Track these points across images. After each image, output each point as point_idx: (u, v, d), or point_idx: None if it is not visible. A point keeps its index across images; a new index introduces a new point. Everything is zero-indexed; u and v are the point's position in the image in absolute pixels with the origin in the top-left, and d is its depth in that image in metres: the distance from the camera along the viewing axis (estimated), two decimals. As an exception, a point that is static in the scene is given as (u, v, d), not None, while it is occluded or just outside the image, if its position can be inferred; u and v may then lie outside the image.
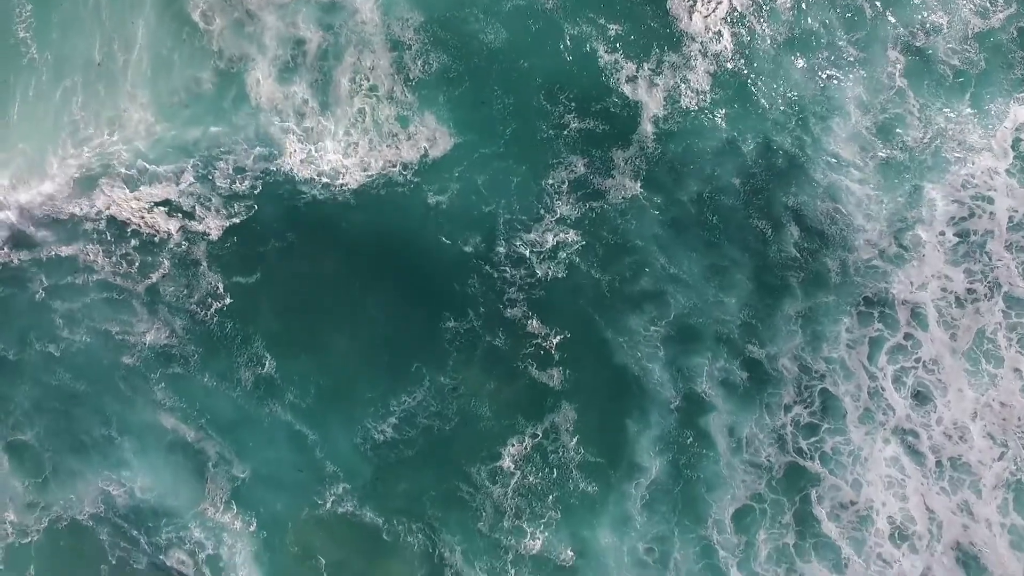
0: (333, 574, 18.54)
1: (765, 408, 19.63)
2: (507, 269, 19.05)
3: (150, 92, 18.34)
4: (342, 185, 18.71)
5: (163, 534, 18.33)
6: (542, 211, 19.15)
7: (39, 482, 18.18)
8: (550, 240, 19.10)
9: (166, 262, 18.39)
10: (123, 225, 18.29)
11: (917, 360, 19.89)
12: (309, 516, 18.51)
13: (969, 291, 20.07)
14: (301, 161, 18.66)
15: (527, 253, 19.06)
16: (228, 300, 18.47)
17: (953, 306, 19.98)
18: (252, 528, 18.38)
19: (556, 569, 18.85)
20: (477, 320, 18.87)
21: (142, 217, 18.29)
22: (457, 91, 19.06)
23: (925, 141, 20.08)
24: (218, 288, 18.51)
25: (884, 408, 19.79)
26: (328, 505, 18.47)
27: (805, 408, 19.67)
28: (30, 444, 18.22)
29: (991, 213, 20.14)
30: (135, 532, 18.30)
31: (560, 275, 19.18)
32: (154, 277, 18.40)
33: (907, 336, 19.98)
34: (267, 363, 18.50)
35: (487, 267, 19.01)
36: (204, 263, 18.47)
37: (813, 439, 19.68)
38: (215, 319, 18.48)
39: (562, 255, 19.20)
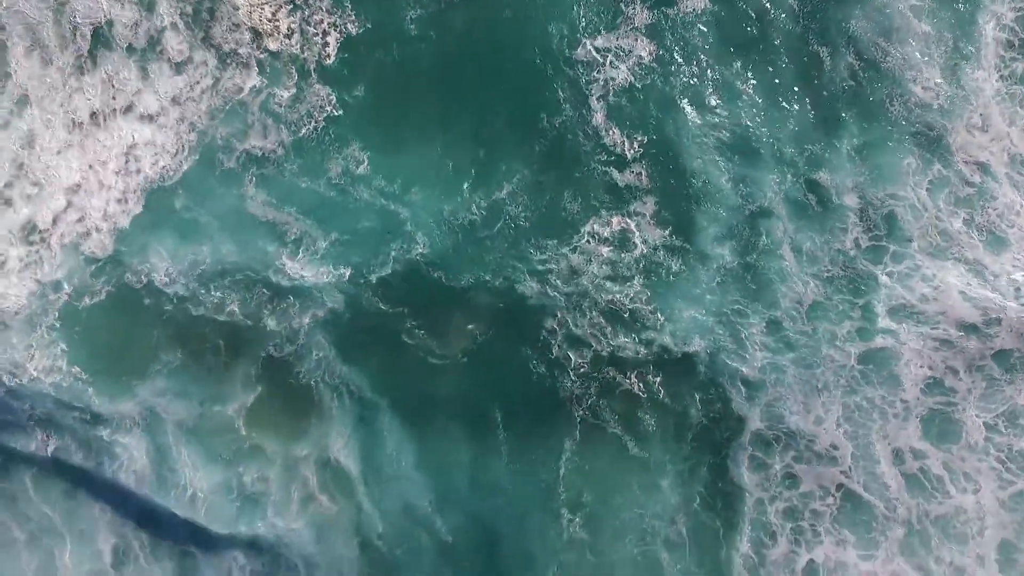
0: (413, 318, 20.06)
1: (829, 230, 20.54)
2: (591, 73, 20.29)
3: None
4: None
5: (229, 292, 19.67)
6: (619, 19, 20.40)
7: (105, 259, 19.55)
8: (625, 47, 20.34)
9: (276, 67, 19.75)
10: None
11: (983, 203, 20.59)
12: (392, 273, 19.88)
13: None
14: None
15: (605, 58, 20.27)
16: (329, 107, 19.76)
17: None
18: (331, 279, 19.80)
19: (642, 325, 20.21)
20: (562, 121, 20.16)
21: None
22: None
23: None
24: (322, 95, 19.81)
25: (948, 241, 20.55)
26: (411, 257, 19.86)
27: (869, 234, 20.53)
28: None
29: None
30: (201, 288, 19.57)
31: (635, 82, 20.34)
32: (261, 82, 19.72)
33: (969, 182, 20.69)
34: (361, 162, 19.80)
35: (572, 71, 20.25)
36: (313, 73, 19.81)
37: (876, 255, 20.56)
38: (317, 127, 19.77)
39: (634, 62, 20.40)
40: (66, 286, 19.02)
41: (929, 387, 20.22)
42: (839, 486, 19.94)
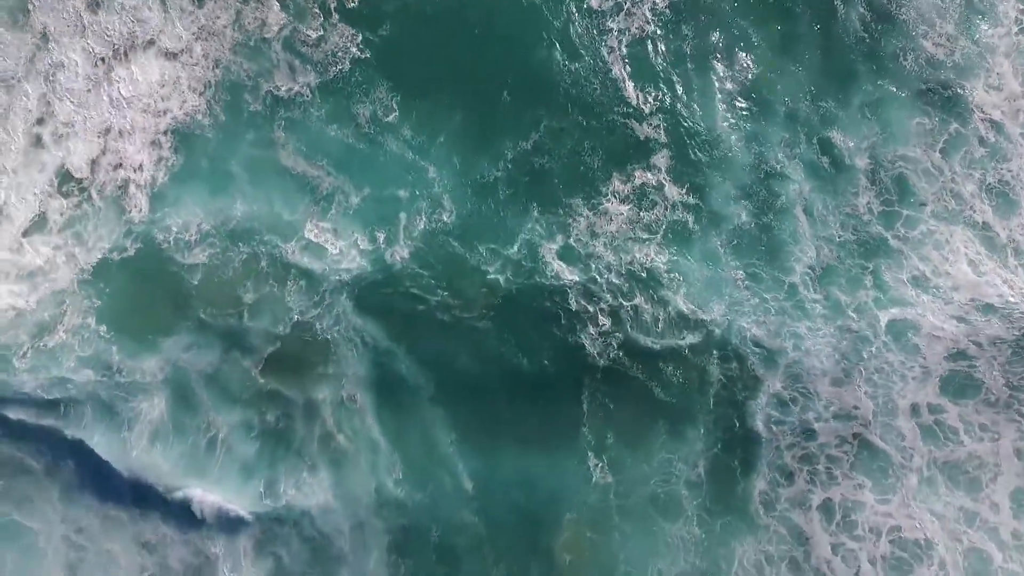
0: (436, 278, 20.18)
1: (842, 192, 20.86)
2: (607, 23, 20.73)
3: None
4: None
5: (258, 248, 19.82)
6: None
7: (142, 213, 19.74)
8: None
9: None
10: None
11: (996, 163, 20.86)
12: (417, 231, 20.11)
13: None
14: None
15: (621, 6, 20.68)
16: (355, 48, 20.08)
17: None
18: (357, 240, 19.96)
19: (659, 285, 20.39)
20: (581, 70, 20.56)
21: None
22: None
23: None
24: (346, 35, 20.13)
25: (961, 204, 20.82)
26: (436, 216, 20.05)
27: (879, 198, 20.80)
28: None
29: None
30: (231, 245, 19.73)
31: (651, 32, 20.77)
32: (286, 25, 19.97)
33: (983, 141, 20.97)
34: (390, 109, 20.10)
35: (590, 24, 20.68)
36: (334, 12, 20.12)
37: (888, 220, 20.79)
38: (343, 69, 20.09)
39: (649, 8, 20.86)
40: (104, 242, 19.24)
41: (952, 356, 20.48)
42: (855, 435, 20.23)
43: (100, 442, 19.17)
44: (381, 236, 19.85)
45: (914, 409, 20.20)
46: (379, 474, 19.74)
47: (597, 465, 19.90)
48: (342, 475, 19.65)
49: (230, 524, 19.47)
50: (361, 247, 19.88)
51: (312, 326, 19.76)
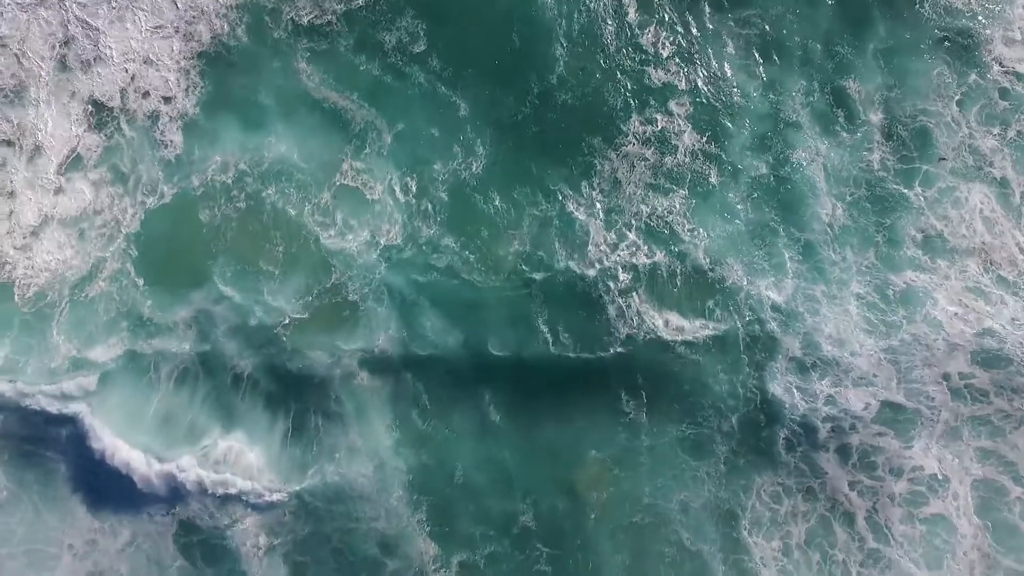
0: (462, 231, 20.36)
1: (855, 145, 20.87)
2: None
3: None
4: None
5: (292, 192, 19.93)
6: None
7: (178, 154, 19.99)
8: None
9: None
10: None
11: (1018, 117, 20.81)
12: (442, 176, 20.29)
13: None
14: None
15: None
16: None
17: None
18: (388, 181, 20.17)
19: (679, 239, 20.46)
20: (599, 10, 20.83)
21: None
22: None
23: None
24: None
25: (979, 160, 20.83)
26: (467, 168, 20.25)
27: (896, 153, 20.78)
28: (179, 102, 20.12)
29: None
30: (273, 186, 19.89)
31: None
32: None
33: (1004, 94, 20.95)
34: (417, 36, 20.35)
35: None
36: None
37: (904, 176, 20.81)
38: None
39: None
40: (142, 181, 19.63)
41: (980, 333, 20.44)
42: (878, 398, 20.30)
43: (125, 393, 19.64)
44: (412, 184, 20.03)
45: (946, 377, 20.23)
46: (403, 413, 19.96)
47: (628, 403, 20.11)
48: (366, 416, 19.89)
49: (255, 471, 19.81)
50: (396, 192, 20.03)
51: (343, 284, 19.90)
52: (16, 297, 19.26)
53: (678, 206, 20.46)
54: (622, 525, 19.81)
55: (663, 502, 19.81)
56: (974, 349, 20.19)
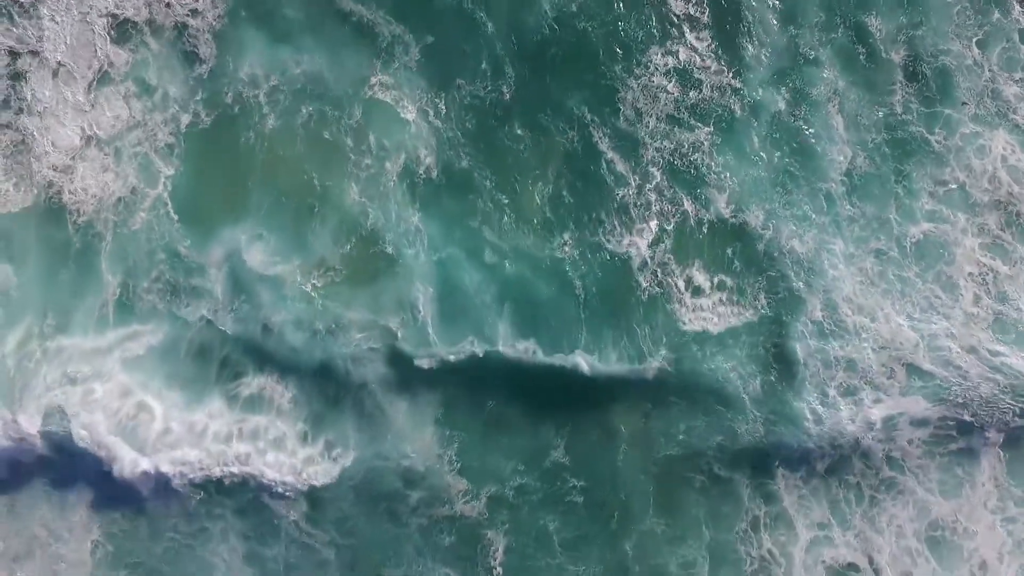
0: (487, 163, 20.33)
1: (875, 86, 20.83)
2: None
3: None
4: None
5: (324, 111, 19.88)
6: None
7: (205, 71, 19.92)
8: None
9: None
10: None
11: None
12: (466, 97, 20.31)
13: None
14: None
15: None
16: None
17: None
18: (419, 101, 20.13)
19: (702, 180, 20.45)
20: None
21: None
22: None
23: None
24: None
25: (1002, 106, 20.82)
26: (494, 89, 20.29)
27: (918, 96, 20.74)
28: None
29: None
30: (306, 106, 19.82)
31: None
32: None
33: None
34: None
35: None
36: None
37: (925, 120, 20.77)
38: None
39: None
40: (172, 95, 19.50)
41: (999, 297, 20.51)
42: (900, 360, 20.35)
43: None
44: (441, 105, 19.95)
45: (971, 349, 20.28)
46: (434, 347, 19.92)
47: (656, 354, 20.21)
48: (396, 354, 19.89)
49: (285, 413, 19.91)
50: (428, 113, 19.98)
51: (379, 232, 19.80)
52: (69, 225, 19.20)
53: (704, 141, 20.40)
54: (655, 458, 20.05)
55: (697, 440, 20.03)
56: (992, 319, 20.30)
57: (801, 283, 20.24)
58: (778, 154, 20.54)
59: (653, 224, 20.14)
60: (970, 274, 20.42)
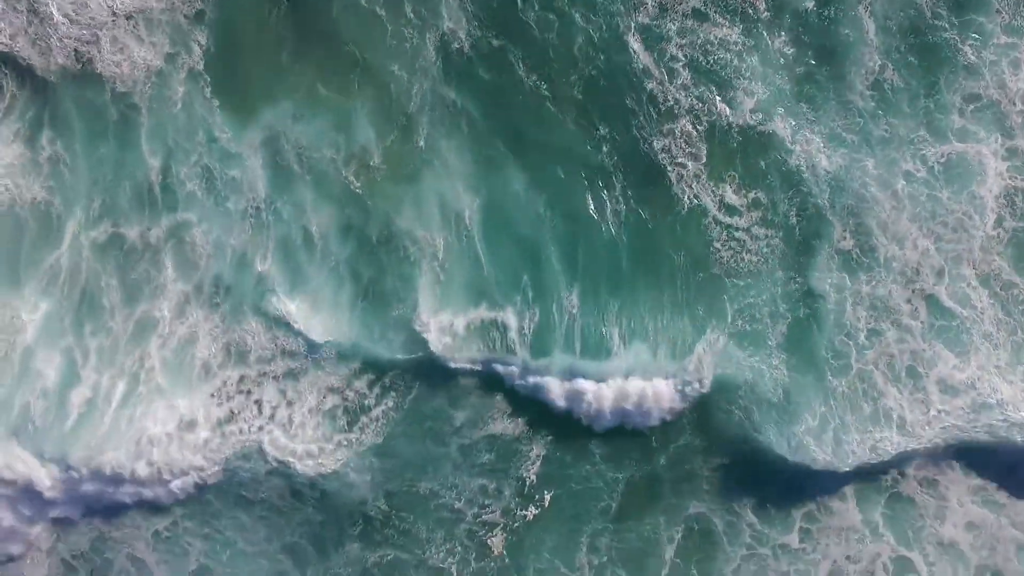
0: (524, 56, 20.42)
1: None
2: None
3: None
4: None
5: None
6: None
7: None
8: None
9: None
10: None
11: None
12: None
13: None
14: None
15: None
16: None
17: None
18: None
19: (728, 84, 20.21)
20: None
21: None
22: None
23: None
24: None
25: None
26: None
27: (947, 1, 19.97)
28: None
29: None
30: None
31: None
32: None
33: None
34: None
35: None
36: None
37: (959, 28, 20.09)
38: None
39: None
40: None
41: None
42: (921, 292, 20.00)
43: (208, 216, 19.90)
44: None
45: (985, 280, 19.77)
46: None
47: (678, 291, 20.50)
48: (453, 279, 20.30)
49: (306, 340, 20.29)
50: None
51: (418, 120, 19.89)
52: (107, 92, 19.58)
53: (732, 37, 20.03)
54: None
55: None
56: (1012, 239, 19.82)
57: (827, 201, 20.02)
58: (803, 61, 20.22)
59: (680, 125, 20.04)
60: (996, 196, 20.05)
